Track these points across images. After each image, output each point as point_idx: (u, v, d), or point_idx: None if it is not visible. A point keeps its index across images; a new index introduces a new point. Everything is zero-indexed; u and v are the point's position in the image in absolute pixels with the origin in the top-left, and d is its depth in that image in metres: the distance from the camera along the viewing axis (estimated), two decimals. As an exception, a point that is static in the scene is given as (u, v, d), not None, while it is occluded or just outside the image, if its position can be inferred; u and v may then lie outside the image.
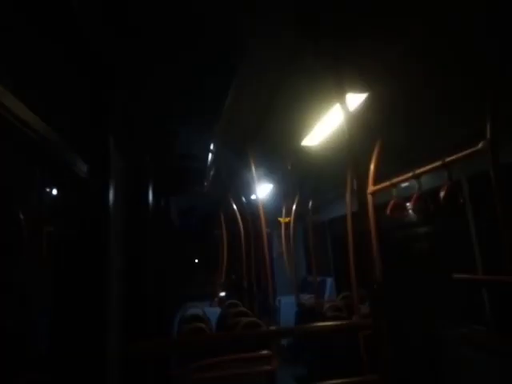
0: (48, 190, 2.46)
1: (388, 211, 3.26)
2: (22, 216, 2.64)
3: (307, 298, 6.49)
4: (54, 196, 2.33)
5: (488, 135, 2.20)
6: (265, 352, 3.22)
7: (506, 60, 2.25)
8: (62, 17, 1.26)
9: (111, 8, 1.58)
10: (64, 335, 1.35)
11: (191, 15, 1.77)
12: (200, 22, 1.81)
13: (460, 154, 2.50)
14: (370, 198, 3.32)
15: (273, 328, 4.06)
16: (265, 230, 4.06)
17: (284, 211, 6.81)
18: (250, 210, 6.18)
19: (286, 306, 7.02)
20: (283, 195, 6.21)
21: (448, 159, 2.59)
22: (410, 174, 2.94)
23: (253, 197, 5.87)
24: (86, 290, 1.39)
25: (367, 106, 2.72)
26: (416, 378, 3.38)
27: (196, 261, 9.02)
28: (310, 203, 6.24)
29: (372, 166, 3.33)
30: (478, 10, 1.89)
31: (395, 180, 3.17)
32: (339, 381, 2.31)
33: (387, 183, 3.23)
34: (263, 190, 5.59)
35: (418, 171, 2.87)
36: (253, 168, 3.92)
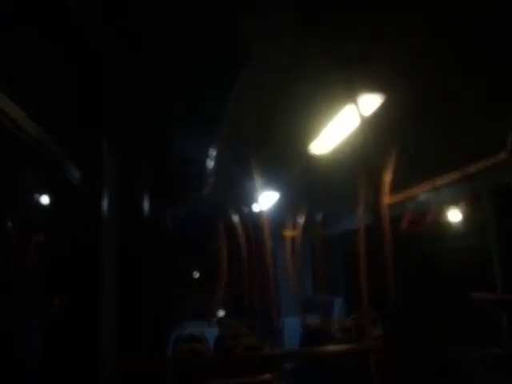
0: (39, 197, 2.47)
1: (404, 225, 3.23)
2: (10, 224, 2.65)
3: (313, 319, 6.42)
4: (45, 203, 2.34)
5: (509, 145, 2.20)
6: (267, 376, 3.18)
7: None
8: (56, 15, 1.28)
9: (109, 7, 1.60)
10: (56, 347, 1.34)
11: (193, 15, 1.79)
12: (202, 22, 1.83)
13: (481, 165, 2.49)
14: (386, 210, 3.28)
15: (276, 351, 4.02)
16: (269, 244, 4.04)
17: (289, 224, 6.76)
18: (253, 222, 6.16)
19: (291, 326, 6.95)
20: (288, 206, 6.18)
21: (469, 170, 2.58)
22: (430, 186, 2.91)
23: (256, 207, 5.86)
24: (78, 301, 1.39)
25: (383, 111, 2.73)
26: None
27: (193, 277, 8.99)
28: (319, 215, 6.19)
29: (388, 176, 3.30)
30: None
31: (413, 192, 3.14)
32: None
33: (405, 195, 3.20)
34: (267, 201, 5.58)
35: (438, 183, 2.85)
36: (256, 176, 3.91)
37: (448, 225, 2.98)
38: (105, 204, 1.58)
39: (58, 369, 1.34)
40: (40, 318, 1.45)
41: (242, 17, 1.88)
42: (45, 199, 2.22)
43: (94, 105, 1.64)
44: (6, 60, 1.10)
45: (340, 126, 3.04)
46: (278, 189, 5.27)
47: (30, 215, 2.42)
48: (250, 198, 5.40)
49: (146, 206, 2.37)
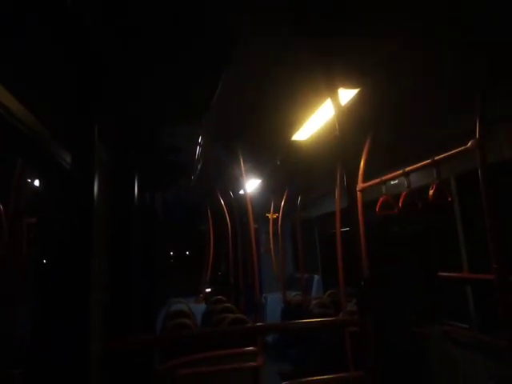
0: (30, 180, 2.43)
1: (377, 209, 3.30)
2: (1, 207, 2.60)
3: (294, 295, 6.54)
4: (36, 187, 2.30)
5: (477, 134, 2.25)
6: (250, 348, 3.24)
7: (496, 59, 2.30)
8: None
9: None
10: (46, 330, 1.34)
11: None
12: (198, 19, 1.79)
13: (449, 153, 2.55)
14: (359, 195, 3.35)
15: (259, 324, 4.08)
16: (252, 225, 4.07)
17: (272, 207, 6.83)
18: (238, 205, 6.18)
19: (272, 302, 7.07)
20: (271, 191, 6.22)
21: (437, 157, 2.64)
22: (400, 172, 2.98)
23: (241, 192, 5.87)
24: (69, 284, 1.38)
25: (359, 101, 2.74)
26: (400, 374, 3.45)
27: (182, 256, 9.01)
28: (299, 199, 6.27)
29: (362, 163, 3.36)
30: (474, 10, 1.92)
31: (385, 177, 3.21)
32: (324, 377, 2.34)
33: (377, 180, 3.27)
34: (251, 185, 5.60)
35: (407, 169, 2.92)
36: (241, 162, 3.92)
37: (418, 208, 3.05)
38: (96, 188, 1.57)
39: (47, 348, 1.34)
40: (31, 299, 1.44)
41: (235, 11, 1.84)
42: (37, 182, 2.18)
43: (86, 91, 1.61)
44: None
45: (321, 115, 3.06)
46: (261, 174, 5.28)
47: (23, 198, 2.39)
48: (235, 183, 5.41)
49: (135, 191, 2.35)
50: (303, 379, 2.32)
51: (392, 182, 3.55)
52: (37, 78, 1.31)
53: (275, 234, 6.84)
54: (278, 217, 6.63)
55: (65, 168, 1.45)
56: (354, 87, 2.60)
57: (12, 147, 1.40)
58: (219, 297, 6.02)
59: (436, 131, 3.30)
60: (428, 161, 2.71)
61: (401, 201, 3.01)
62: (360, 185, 3.35)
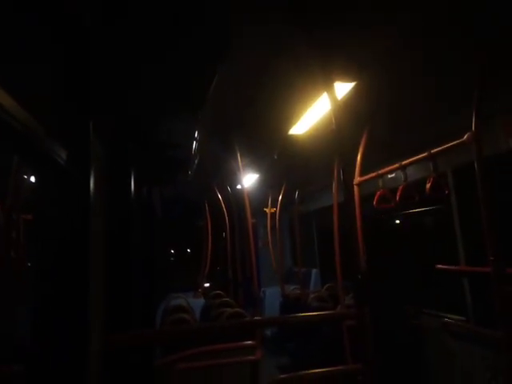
0: (26, 177, 2.41)
1: (374, 202, 3.30)
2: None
3: (292, 289, 6.56)
4: (32, 183, 2.29)
5: (473, 127, 2.25)
6: (249, 342, 3.26)
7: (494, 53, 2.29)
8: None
9: None
10: (45, 326, 1.33)
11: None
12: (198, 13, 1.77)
13: (445, 146, 2.55)
14: (356, 189, 3.35)
15: (257, 318, 4.10)
16: (250, 220, 4.07)
17: (270, 201, 6.83)
18: (236, 200, 6.18)
19: (271, 296, 7.09)
20: (269, 185, 6.22)
21: (434, 150, 2.64)
22: (397, 165, 2.98)
23: (238, 186, 5.86)
24: (67, 282, 1.37)
25: (355, 95, 2.73)
26: (398, 366, 3.47)
27: (181, 252, 9.02)
28: (297, 193, 6.27)
29: (359, 157, 3.36)
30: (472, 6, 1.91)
31: (382, 171, 3.21)
32: (322, 370, 2.35)
33: (374, 174, 3.27)
34: (249, 180, 5.60)
35: (404, 162, 2.92)
36: (238, 157, 3.90)
37: (415, 201, 3.05)
38: (92, 184, 1.56)
39: (47, 347, 1.33)
40: (30, 298, 1.43)
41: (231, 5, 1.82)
42: (33, 179, 2.17)
43: (80, 86, 1.59)
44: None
45: (318, 109, 3.04)
46: (258, 169, 5.27)
47: (19, 194, 2.37)
48: (232, 178, 5.39)
49: (133, 188, 2.34)
50: (302, 372, 2.33)
51: (389, 176, 3.55)
52: (30, 73, 1.29)
53: (273, 228, 6.85)
54: (275, 211, 6.63)
55: (60, 164, 1.44)
56: (351, 81, 2.59)
57: (5, 144, 1.39)
58: (218, 291, 6.03)
59: (432, 125, 3.30)
60: (424, 154, 2.70)
61: (398, 194, 3.02)
62: (357, 178, 3.35)
